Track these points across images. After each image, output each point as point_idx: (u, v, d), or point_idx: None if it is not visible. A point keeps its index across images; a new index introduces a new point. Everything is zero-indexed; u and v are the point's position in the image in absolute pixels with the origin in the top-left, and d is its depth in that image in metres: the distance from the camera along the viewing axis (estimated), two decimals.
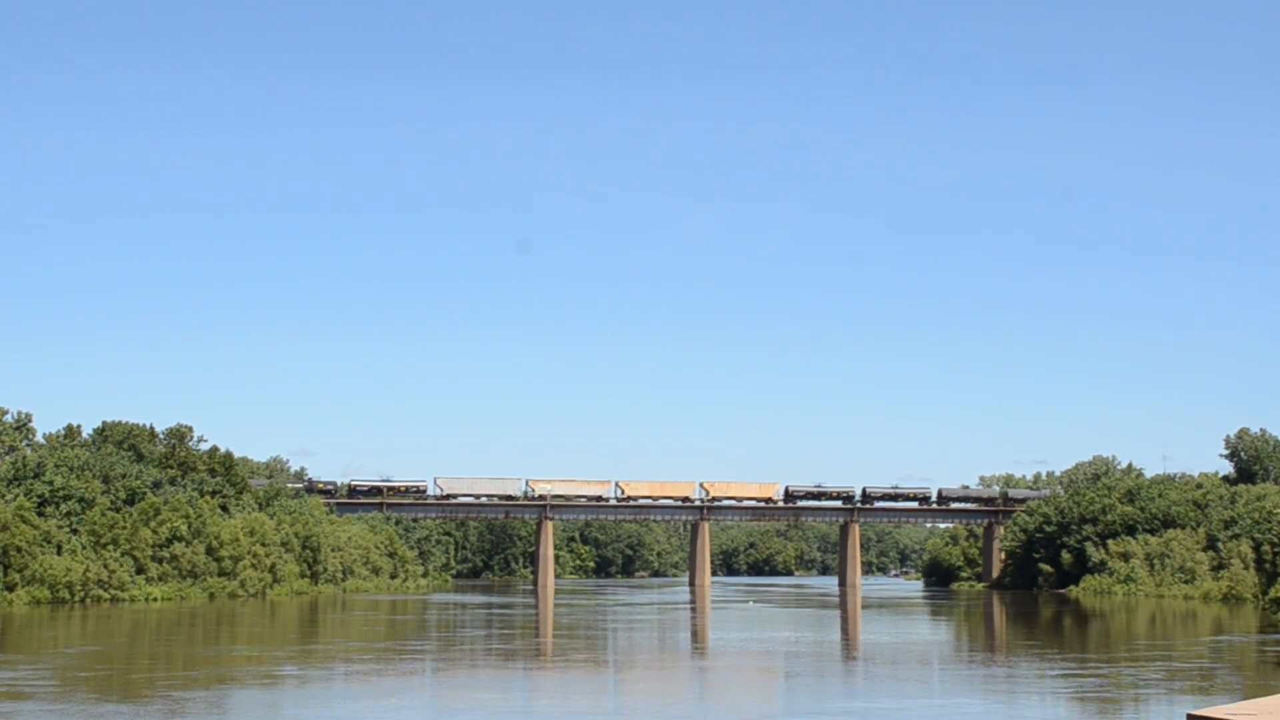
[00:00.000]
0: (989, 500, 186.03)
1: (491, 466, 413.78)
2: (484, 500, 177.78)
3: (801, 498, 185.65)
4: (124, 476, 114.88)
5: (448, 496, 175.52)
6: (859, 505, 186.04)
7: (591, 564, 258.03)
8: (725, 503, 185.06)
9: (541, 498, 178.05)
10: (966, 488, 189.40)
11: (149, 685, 41.58)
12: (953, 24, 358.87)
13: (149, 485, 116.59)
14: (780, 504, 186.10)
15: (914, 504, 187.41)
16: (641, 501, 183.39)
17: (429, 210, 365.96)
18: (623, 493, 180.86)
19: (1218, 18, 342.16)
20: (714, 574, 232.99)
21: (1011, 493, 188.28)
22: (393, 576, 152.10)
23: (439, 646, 61.62)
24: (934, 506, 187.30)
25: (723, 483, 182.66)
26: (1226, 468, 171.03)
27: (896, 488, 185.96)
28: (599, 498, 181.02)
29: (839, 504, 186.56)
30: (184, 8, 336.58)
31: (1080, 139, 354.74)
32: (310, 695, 39.76)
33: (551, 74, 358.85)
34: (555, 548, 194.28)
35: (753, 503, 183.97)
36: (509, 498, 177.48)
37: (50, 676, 44.31)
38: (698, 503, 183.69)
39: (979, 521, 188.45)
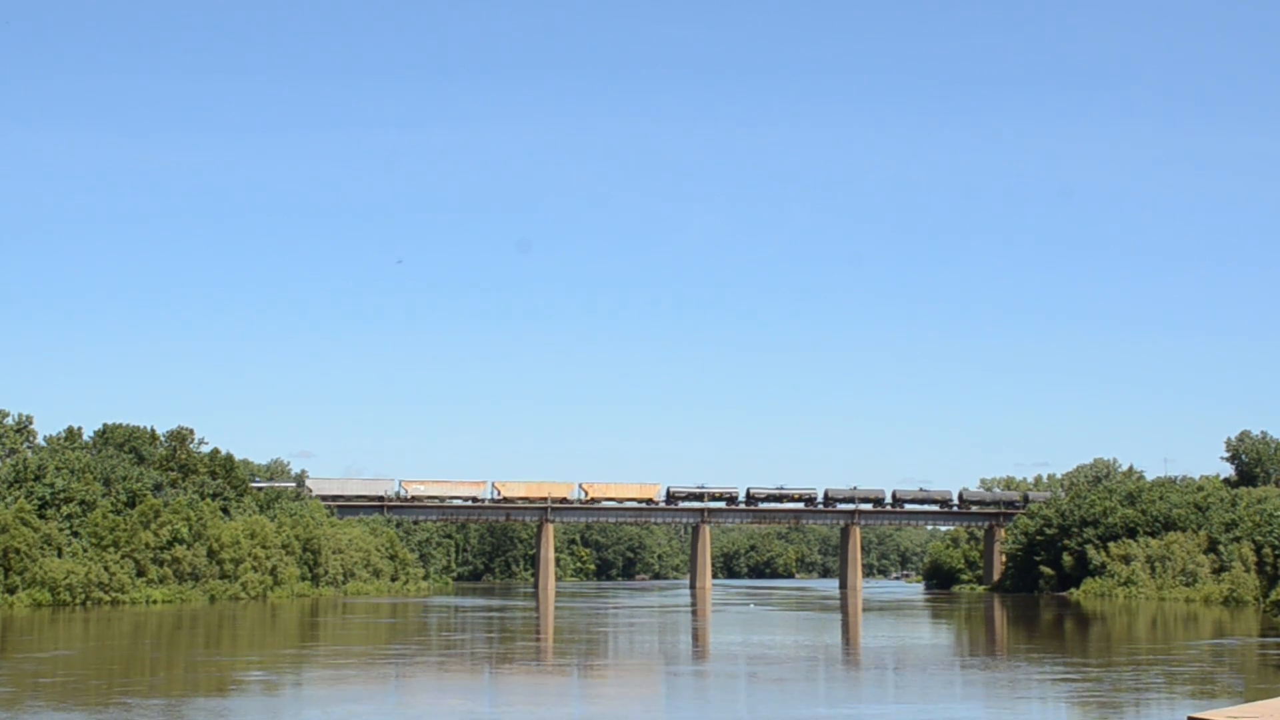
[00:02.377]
0: (945, 503, 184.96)
1: (496, 468, 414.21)
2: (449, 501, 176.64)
3: (763, 500, 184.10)
4: (125, 479, 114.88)
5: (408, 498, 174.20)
6: (856, 508, 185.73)
7: (592, 566, 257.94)
8: (695, 503, 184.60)
9: (415, 498, 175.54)
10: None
11: (107, 692, 40.77)
12: (955, 27, 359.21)
13: (150, 488, 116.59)
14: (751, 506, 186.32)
15: (928, 506, 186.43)
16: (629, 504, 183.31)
17: (431, 213, 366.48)
18: (499, 493, 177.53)
19: (1218, 19, 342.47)
20: (715, 576, 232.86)
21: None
22: (393, 579, 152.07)
23: (421, 650, 60.69)
24: (893, 509, 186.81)
25: (601, 484, 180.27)
26: (1228, 470, 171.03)
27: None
28: (474, 499, 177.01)
29: (839, 506, 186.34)
30: (184, 11, 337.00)
31: (1082, 141, 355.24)
32: (266, 703, 38.76)
33: (554, 77, 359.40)
34: (556, 550, 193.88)
35: (634, 503, 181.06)
36: (379, 498, 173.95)
37: (7, 683, 43.53)
38: (699, 505, 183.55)
39: (980, 524, 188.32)
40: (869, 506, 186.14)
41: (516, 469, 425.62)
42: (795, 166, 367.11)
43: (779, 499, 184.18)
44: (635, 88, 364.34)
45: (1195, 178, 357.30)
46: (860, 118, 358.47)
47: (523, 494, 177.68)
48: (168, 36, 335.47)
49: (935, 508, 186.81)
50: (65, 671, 47.80)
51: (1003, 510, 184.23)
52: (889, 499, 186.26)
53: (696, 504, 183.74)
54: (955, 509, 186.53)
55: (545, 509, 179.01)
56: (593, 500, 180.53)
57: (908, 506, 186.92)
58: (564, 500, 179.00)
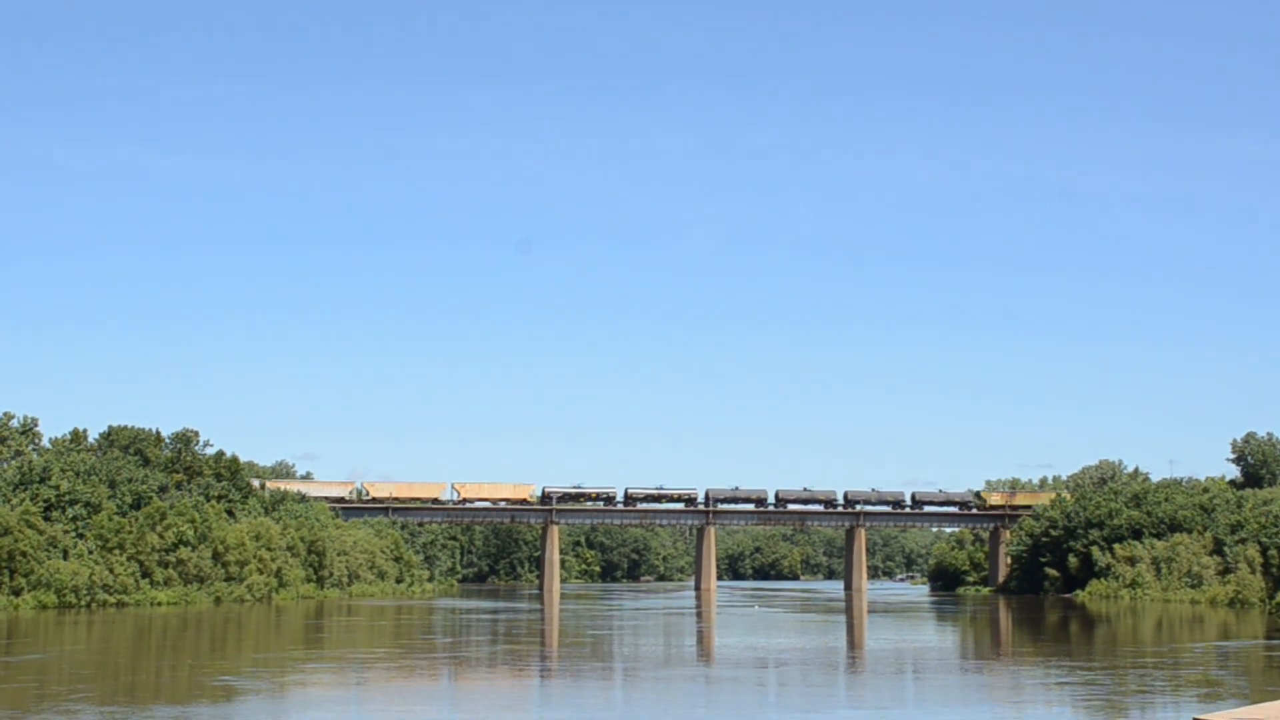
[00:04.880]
0: (895, 504, 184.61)
1: (500, 470, 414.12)
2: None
3: (641, 500, 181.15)
4: (130, 481, 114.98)
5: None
6: (861, 510, 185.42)
7: (597, 568, 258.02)
8: (725, 507, 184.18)
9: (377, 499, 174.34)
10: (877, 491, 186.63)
11: (67, 698, 40.16)
12: (957, 30, 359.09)
13: (155, 490, 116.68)
14: (775, 508, 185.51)
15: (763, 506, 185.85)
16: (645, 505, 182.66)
17: (435, 214, 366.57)
18: (366, 493, 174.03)
19: (1218, 22, 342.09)
20: (720, 578, 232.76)
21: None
22: (398, 581, 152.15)
23: (406, 653, 59.86)
24: (911, 510, 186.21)
25: (474, 484, 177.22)
26: (1233, 472, 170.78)
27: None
28: (341, 498, 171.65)
29: (827, 507, 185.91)
30: (186, 12, 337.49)
31: (1086, 144, 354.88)
32: (223, 711, 38.02)
33: (558, 78, 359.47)
34: (561, 552, 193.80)
35: (507, 503, 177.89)
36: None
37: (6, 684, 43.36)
38: (700, 506, 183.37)
39: (985, 526, 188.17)
40: (887, 508, 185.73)
41: (525, 472, 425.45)
42: (800, 169, 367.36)
43: (657, 499, 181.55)
44: (639, 90, 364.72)
45: (1198, 179, 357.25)
46: (865, 120, 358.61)
47: (392, 493, 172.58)
48: (174, 40, 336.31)
49: (956, 509, 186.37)
50: (35, 676, 47.74)
51: (1008, 512, 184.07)
52: (909, 501, 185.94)
53: (696, 505, 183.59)
54: (975, 510, 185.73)
55: (549, 511, 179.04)
56: (464, 500, 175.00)
57: (928, 509, 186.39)
58: (435, 500, 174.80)
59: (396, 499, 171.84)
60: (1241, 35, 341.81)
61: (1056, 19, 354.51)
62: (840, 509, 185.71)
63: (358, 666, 52.68)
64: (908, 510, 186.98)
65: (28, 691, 42.26)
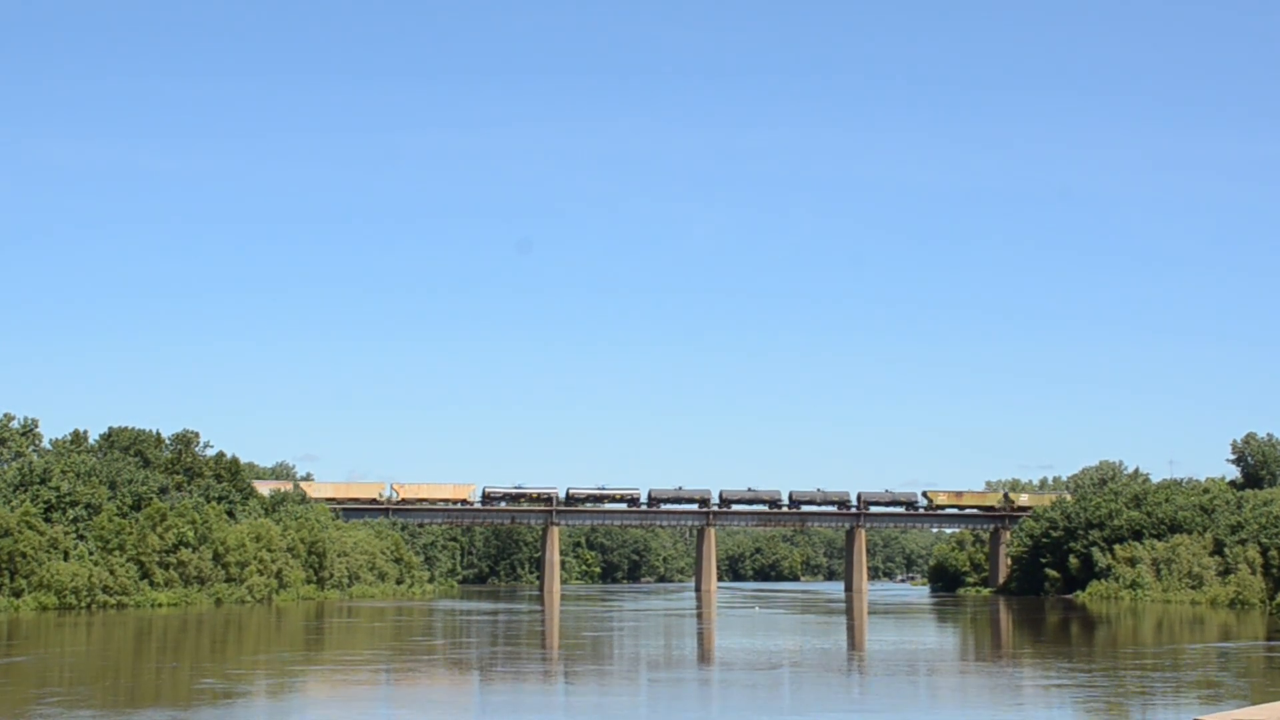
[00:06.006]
0: (908, 505, 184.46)
1: (502, 471, 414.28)
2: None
3: (583, 500, 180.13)
4: (130, 482, 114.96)
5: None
6: (858, 510, 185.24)
7: (598, 569, 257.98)
8: (732, 508, 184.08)
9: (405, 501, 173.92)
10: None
11: (31, 703, 39.69)
12: (958, 31, 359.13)
13: (155, 491, 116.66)
14: (785, 509, 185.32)
15: (830, 507, 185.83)
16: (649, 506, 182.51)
17: (435, 215, 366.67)
18: (302, 494, 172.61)
19: (1218, 23, 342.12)
20: (720, 579, 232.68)
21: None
22: (399, 582, 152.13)
23: (389, 656, 59.40)
24: (926, 513, 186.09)
25: (413, 484, 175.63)
26: (1233, 472, 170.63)
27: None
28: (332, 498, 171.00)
29: (840, 509, 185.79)
30: (186, 13, 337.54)
31: (1086, 144, 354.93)
32: (174, 715, 37.65)
33: (558, 79, 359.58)
34: (561, 553, 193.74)
35: (446, 503, 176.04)
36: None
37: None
38: (700, 508, 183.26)
39: (985, 527, 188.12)
40: (901, 509, 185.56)
41: (526, 474, 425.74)
42: (800, 170, 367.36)
43: (600, 499, 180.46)
44: (639, 90, 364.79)
45: (1199, 180, 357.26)
46: (866, 121, 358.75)
47: (330, 494, 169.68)
48: (173, 40, 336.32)
49: (977, 511, 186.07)
50: (36, 677, 47.71)
51: (1008, 513, 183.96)
52: (923, 501, 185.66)
53: (699, 507, 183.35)
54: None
55: (550, 511, 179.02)
56: (403, 500, 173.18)
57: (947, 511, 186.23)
58: (374, 501, 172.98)
59: (335, 500, 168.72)
60: (1242, 36, 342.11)
61: (1057, 20, 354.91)
62: (853, 510, 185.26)
63: (372, 669, 52.67)
64: (921, 511, 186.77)
65: (26, 694, 42.23)
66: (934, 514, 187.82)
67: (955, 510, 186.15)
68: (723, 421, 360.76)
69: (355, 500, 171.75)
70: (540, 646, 68.39)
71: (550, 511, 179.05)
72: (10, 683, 45.71)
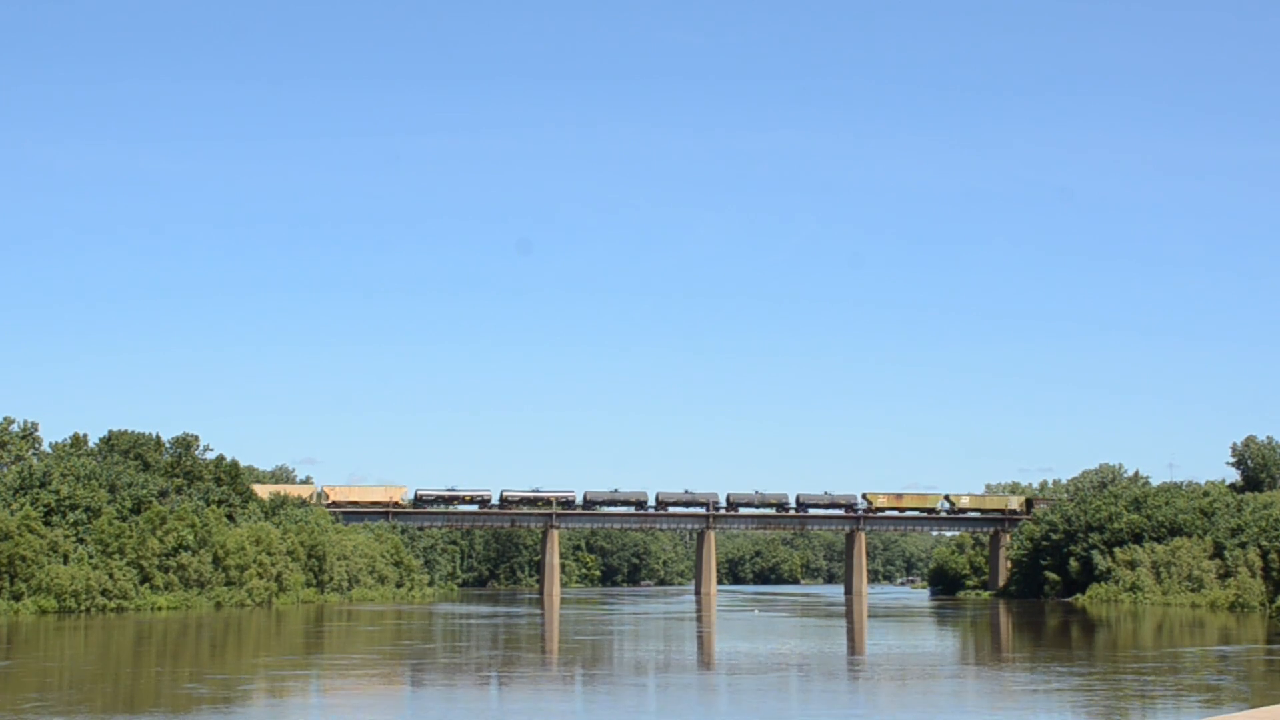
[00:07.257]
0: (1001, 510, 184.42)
1: (501, 472, 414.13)
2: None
3: (516, 503, 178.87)
4: (130, 485, 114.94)
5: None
6: (863, 513, 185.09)
7: (597, 572, 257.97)
8: (738, 511, 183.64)
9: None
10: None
11: (27, 708, 39.53)
12: (958, 33, 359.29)
13: (155, 494, 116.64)
14: (791, 512, 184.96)
15: (835, 510, 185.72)
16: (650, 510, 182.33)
17: (435, 218, 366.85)
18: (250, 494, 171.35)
19: (1219, 25, 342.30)
20: (720, 583, 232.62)
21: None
22: (399, 585, 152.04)
23: (380, 659, 59.24)
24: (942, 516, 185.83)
25: (344, 487, 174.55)
26: (1233, 475, 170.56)
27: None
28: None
29: (843, 511, 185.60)
30: (187, 16, 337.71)
31: (1086, 147, 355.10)
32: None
33: (559, 82, 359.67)
34: (561, 556, 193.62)
35: (379, 506, 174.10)
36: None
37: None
38: (722, 510, 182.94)
39: (985, 530, 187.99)
40: (916, 513, 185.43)
41: (527, 475, 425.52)
42: (802, 173, 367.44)
43: (532, 501, 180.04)
44: (640, 94, 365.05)
45: (1200, 182, 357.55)
46: (867, 124, 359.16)
47: (341, 498, 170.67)
48: (174, 43, 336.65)
49: (997, 514, 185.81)
50: (35, 679, 47.60)
51: (1007, 516, 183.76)
52: (945, 505, 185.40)
53: (699, 509, 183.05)
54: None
55: (550, 515, 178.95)
56: (334, 503, 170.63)
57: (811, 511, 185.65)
58: (303, 502, 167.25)
59: (340, 504, 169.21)
60: (1242, 38, 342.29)
61: (1057, 22, 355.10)
62: (862, 513, 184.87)
63: (371, 674, 52.62)
64: (920, 514, 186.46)
65: (24, 698, 42.12)
66: (941, 517, 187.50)
67: (978, 514, 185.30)
68: (728, 425, 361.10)
69: (356, 504, 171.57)
70: (540, 650, 68.36)
71: (550, 515, 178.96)
72: (7, 688, 45.64)
